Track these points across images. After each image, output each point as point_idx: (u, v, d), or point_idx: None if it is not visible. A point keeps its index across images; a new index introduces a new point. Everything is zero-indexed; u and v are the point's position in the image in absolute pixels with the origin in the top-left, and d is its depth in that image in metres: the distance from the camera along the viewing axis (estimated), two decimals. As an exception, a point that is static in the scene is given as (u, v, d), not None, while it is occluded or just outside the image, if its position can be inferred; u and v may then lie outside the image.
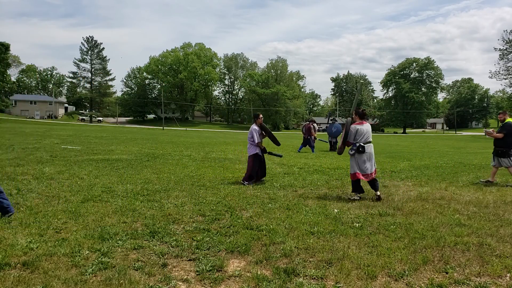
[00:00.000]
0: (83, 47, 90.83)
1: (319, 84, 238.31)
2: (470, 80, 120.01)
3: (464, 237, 4.43)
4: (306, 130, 17.55)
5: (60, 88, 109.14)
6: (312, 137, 17.40)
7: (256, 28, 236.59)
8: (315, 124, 18.03)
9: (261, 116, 8.37)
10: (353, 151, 6.58)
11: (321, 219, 5.12)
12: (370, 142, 6.62)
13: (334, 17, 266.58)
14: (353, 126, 6.65)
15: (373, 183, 6.58)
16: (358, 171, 6.55)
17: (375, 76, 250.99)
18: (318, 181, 8.54)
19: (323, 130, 22.26)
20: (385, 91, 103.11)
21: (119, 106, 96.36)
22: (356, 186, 6.70)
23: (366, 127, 6.65)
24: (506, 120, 9.03)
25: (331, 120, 19.90)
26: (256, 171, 8.22)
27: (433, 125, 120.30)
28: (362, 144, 6.50)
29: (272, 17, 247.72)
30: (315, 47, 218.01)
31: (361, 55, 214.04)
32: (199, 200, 6.21)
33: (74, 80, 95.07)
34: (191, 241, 4.17)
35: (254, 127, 8.30)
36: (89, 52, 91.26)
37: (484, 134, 9.63)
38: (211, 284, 3.17)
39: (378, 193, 6.58)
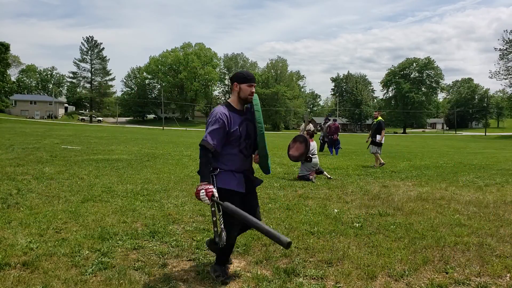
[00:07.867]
0: (83, 47, 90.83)
1: (318, 84, 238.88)
2: (470, 80, 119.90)
3: (464, 237, 4.43)
4: (335, 129, 16.81)
5: (60, 88, 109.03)
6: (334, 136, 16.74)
7: (253, 29, 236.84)
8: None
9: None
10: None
11: (321, 219, 5.12)
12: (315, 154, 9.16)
13: (331, 18, 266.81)
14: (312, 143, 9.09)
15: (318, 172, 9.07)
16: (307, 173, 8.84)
17: (374, 76, 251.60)
18: (318, 181, 8.54)
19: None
20: (385, 91, 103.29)
21: (119, 106, 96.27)
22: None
23: (313, 144, 9.22)
24: (379, 118, 11.85)
25: (330, 119, 20.10)
26: None
27: (433, 125, 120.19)
28: (310, 156, 8.84)
29: (269, 18, 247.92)
30: (313, 47, 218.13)
31: (359, 55, 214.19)
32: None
33: (74, 80, 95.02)
34: (191, 241, 4.17)
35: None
36: (89, 52, 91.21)
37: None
38: (211, 284, 3.17)
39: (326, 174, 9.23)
